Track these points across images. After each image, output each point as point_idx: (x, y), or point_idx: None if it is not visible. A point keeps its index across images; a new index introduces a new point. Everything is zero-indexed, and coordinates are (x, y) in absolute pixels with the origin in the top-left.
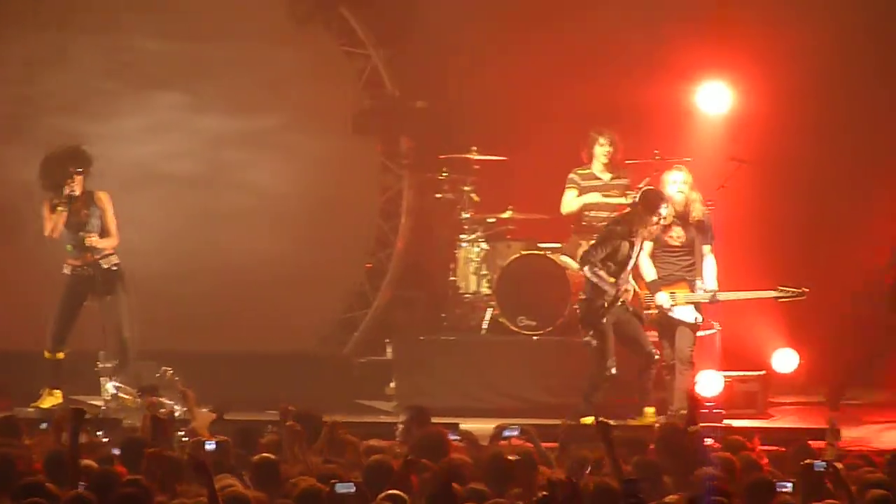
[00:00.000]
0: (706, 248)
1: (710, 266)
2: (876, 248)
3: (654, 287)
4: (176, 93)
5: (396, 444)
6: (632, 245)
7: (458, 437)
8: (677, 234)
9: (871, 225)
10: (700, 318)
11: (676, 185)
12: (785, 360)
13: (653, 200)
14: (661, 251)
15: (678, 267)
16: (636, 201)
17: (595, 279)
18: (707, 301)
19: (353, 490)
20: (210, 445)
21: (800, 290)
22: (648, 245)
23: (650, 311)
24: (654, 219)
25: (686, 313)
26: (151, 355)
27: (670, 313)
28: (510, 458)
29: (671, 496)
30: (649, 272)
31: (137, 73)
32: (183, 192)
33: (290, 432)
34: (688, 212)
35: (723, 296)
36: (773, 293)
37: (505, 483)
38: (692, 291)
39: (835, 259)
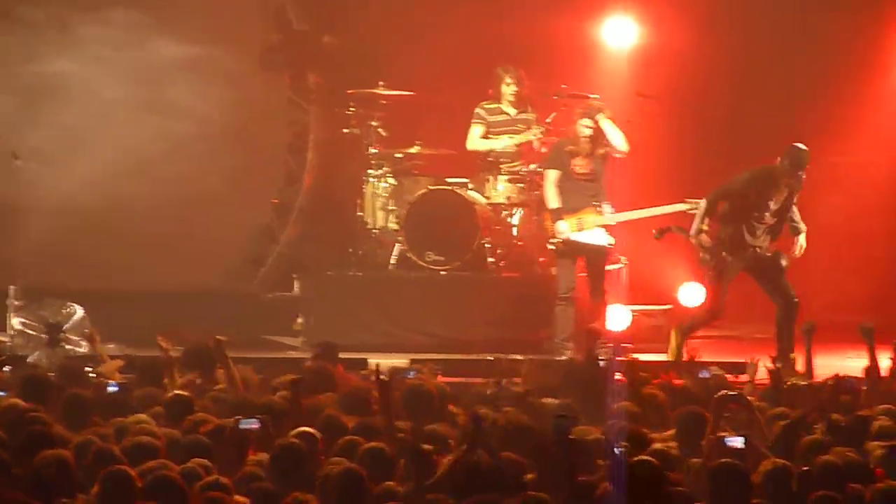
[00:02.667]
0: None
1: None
2: None
3: (555, 215)
4: (92, 23)
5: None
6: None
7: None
8: (583, 164)
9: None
10: (612, 241)
11: (587, 128)
12: (691, 294)
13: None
14: (568, 180)
15: (584, 195)
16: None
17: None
18: (610, 223)
19: (256, 426)
20: (112, 387)
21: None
22: (554, 174)
23: (555, 241)
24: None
25: (596, 237)
26: (58, 293)
27: (581, 238)
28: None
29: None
30: (552, 201)
31: None
32: (87, 128)
33: (168, 360)
34: (595, 148)
35: (631, 215)
36: (680, 206)
37: (423, 416)
38: (601, 216)
39: None
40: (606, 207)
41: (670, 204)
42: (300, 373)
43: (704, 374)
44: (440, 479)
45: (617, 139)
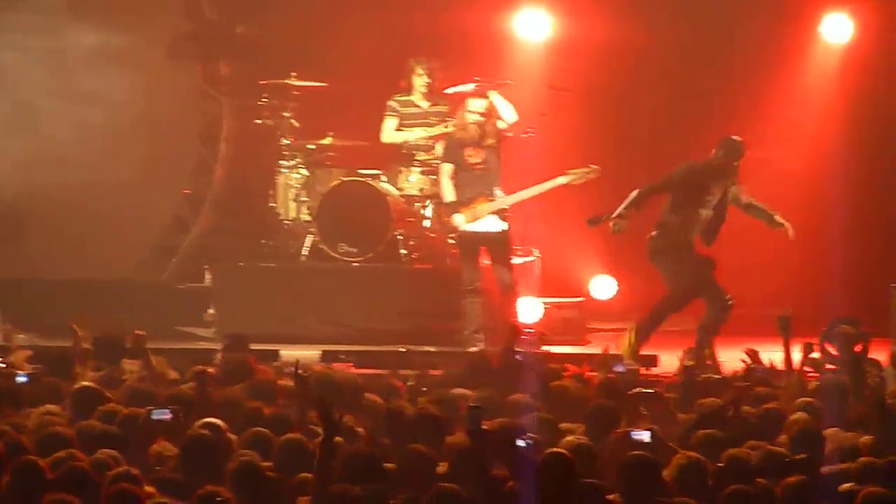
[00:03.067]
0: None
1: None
2: None
3: (450, 209)
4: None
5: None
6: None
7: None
8: (475, 154)
9: (690, 153)
10: (505, 225)
11: (473, 114)
12: (603, 287)
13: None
14: (463, 171)
15: (478, 186)
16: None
17: None
18: (505, 205)
19: (168, 417)
20: (21, 378)
21: (589, 169)
22: (448, 167)
23: (454, 234)
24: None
25: (491, 224)
26: None
27: (476, 228)
28: None
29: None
30: (447, 195)
31: None
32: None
33: (79, 350)
34: (484, 137)
35: (520, 195)
36: (562, 178)
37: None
38: (492, 202)
39: None
40: (499, 193)
41: (553, 178)
42: (216, 364)
43: (619, 368)
44: (339, 470)
45: (507, 111)
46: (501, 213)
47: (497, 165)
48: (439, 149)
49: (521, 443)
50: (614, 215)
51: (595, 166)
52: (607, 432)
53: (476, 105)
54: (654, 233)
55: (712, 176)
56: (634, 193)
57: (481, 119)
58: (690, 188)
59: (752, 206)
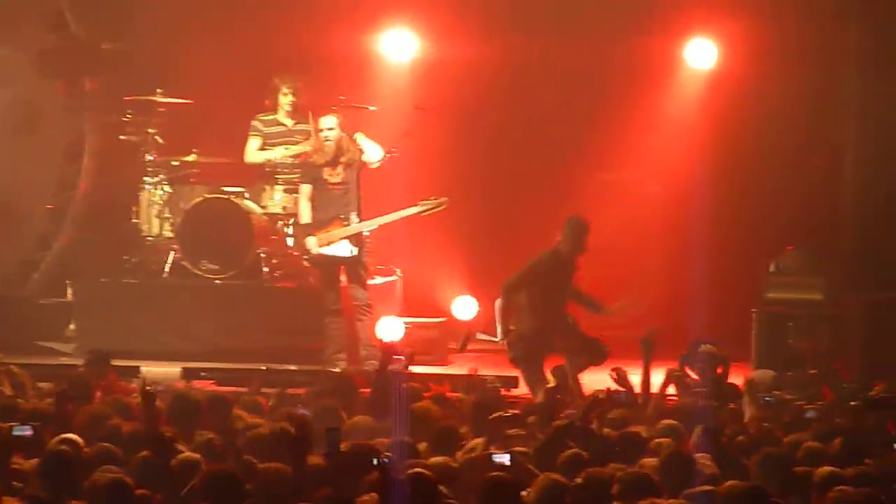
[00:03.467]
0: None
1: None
2: (565, 196)
3: (304, 231)
4: None
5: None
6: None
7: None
8: (333, 173)
9: (560, 173)
10: (355, 251)
11: (327, 131)
12: (465, 308)
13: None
14: (321, 191)
15: (337, 206)
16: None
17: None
18: (352, 233)
19: (29, 433)
20: None
21: (439, 201)
22: (307, 188)
23: (307, 256)
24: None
25: (341, 249)
26: None
27: (328, 252)
28: None
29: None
30: (303, 216)
31: None
32: None
33: None
34: (339, 154)
35: (368, 224)
36: (414, 209)
37: (194, 425)
38: (346, 226)
39: (516, 207)
40: (354, 218)
41: (406, 208)
42: (66, 380)
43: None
44: (195, 488)
45: (372, 151)
46: (355, 238)
47: (356, 185)
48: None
49: (384, 463)
50: (499, 337)
51: (444, 198)
52: (452, 452)
53: (327, 122)
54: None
55: (565, 262)
56: (499, 302)
57: (332, 135)
58: (547, 279)
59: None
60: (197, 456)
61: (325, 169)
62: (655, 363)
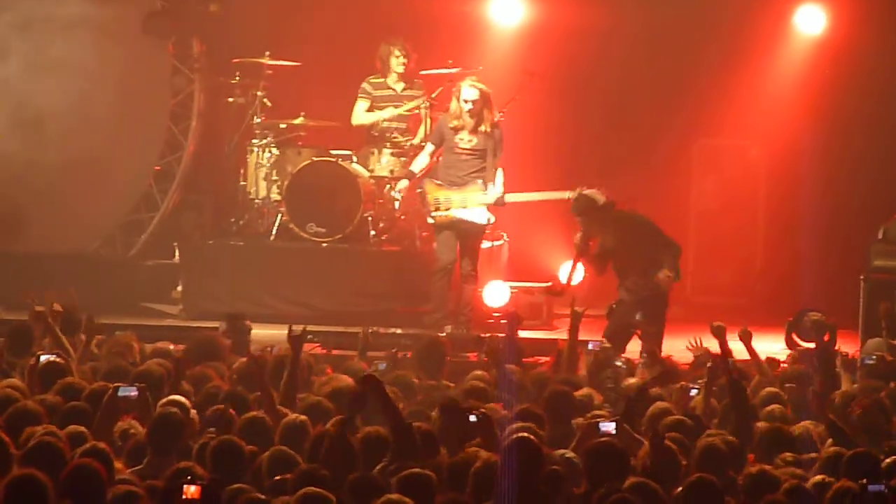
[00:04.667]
0: (495, 159)
1: (498, 175)
2: (669, 161)
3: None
4: None
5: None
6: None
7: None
8: (469, 139)
9: (664, 139)
10: (492, 219)
11: (468, 103)
12: (570, 272)
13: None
14: (452, 154)
15: (468, 169)
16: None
17: None
18: (494, 203)
19: (135, 394)
20: None
21: (593, 191)
22: (431, 148)
23: (436, 214)
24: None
25: (478, 214)
26: None
27: (463, 216)
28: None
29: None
30: (417, 165)
31: None
32: None
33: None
34: (477, 126)
35: (512, 197)
36: (567, 193)
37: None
38: (484, 193)
39: (623, 172)
40: (491, 186)
41: (558, 190)
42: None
43: (594, 347)
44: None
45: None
46: (490, 206)
47: (491, 152)
48: (421, 133)
49: (502, 427)
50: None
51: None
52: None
53: (471, 94)
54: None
55: None
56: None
57: (472, 108)
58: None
59: None
60: (304, 417)
61: (461, 133)
62: (762, 329)
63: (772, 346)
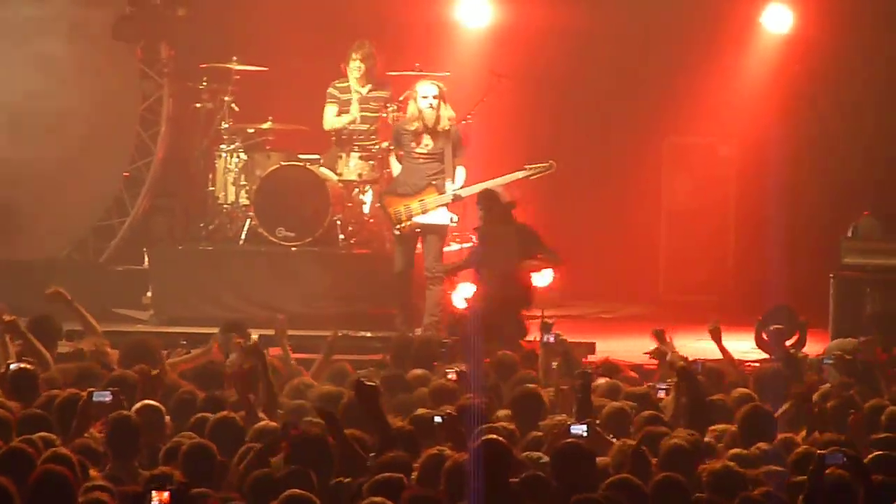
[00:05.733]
0: (455, 159)
1: (459, 173)
2: (639, 160)
3: (394, 199)
4: None
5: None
6: None
7: None
8: (425, 143)
9: (634, 138)
10: (455, 218)
11: (427, 99)
12: (542, 274)
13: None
14: (409, 160)
15: (426, 174)
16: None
17: None
18: (451, 200)
19: (108, 399)
20: None
21: (547, 164)
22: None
23: (400, 226)
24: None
25: (439, 216)
26: None
27: (424, 220)
28: None
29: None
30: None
31: None
32: None
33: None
34: (437, 123)
35: (469, 190)
36: (520, 173)
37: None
38: (441, 194)
39: (591, 171)
40: (448, 185)
41: (511, 173)
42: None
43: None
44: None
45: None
46: (450, 206)
47: (450, 153)
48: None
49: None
50: None
51: (552, 162)
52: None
53: (429, 90)
54: None
55: None
56: None
57: (434, 103)
58: None
59: None
60: (275, 424)
61: (421, 136)
62: (732, 328)
63: (742, 345)
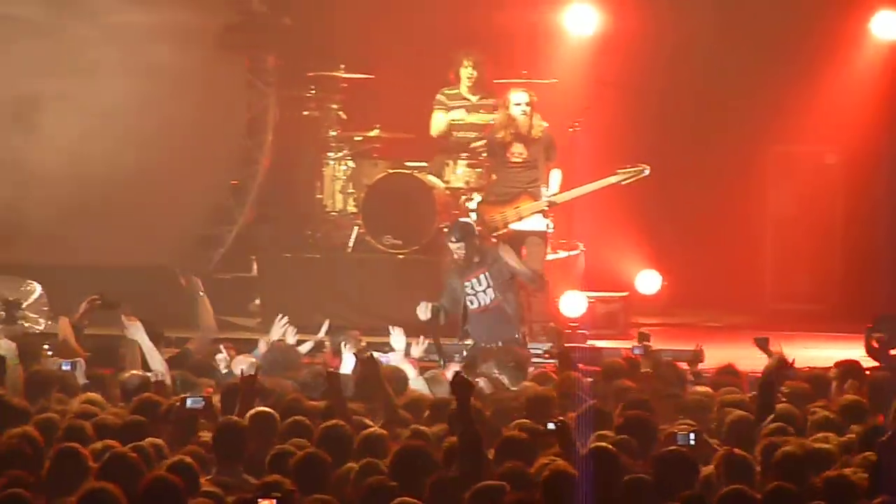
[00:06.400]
0: (548, 163)
1: (555, 177)
2: (745, 169)
3: (489, 207)
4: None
5: None
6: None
7: None
8: (518, 151)
9: (740, 147)
10: (551, 224)
11: (520, 106)
12: (648, 282)
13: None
14: (504, 168)
15: (521, 182)
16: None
17: None
18: (546, 207)
19: (201, 405)
20: (66, 366)
21: (639, 168)
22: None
23: (497, 233)
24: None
25: (534, 223)
26: (14, 270)
27: (521, 227)
28: None
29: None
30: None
31: None
32: (46, 105)
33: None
34: (529, 130)
35: (563, 196)
36: (613, 178)
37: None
38: (536, 201)
39: (697, 180)
40: (543, 191)
41: (603, 178)
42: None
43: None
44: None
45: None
46: (545, 212)
47: (542, 160)
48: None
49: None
50: None
51: (645, 166)
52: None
53: (521, 97)
54: None
55: None
56: None
57: (527, 110)
58: None
59: None
60: (383, 431)
61: (514, 144)
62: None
63: (851, 353)
